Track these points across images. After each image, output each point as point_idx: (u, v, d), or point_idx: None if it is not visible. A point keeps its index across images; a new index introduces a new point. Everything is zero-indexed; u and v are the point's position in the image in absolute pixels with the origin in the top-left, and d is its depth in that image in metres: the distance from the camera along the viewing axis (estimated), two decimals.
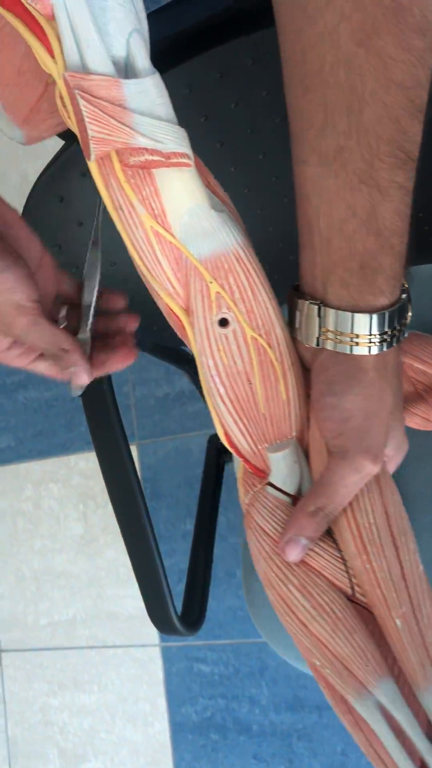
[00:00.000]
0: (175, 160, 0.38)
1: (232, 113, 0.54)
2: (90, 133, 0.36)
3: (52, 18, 0.35)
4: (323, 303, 0.41)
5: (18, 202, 0.57)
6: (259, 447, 0.44)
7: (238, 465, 0.46)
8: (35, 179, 0.57)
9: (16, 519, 1.50)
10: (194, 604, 0.77)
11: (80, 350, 0.45)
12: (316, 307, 0.41)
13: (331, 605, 0.41)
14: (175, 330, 0.44)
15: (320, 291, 0.42)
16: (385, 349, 0.41)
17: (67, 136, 0.56)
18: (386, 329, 0.41)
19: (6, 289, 0.43)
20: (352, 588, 0.42)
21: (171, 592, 0.70)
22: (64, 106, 0.38)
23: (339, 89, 0.36)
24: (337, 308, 0.41)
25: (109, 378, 0.69)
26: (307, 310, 0.42)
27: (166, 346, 0.83)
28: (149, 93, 0.37)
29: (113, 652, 1.40)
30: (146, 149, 0.37)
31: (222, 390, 0.43)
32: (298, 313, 0.43)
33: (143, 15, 0.37)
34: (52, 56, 0.36)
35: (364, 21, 0.34)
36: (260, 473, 0.45)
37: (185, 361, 0.89)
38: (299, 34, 0.37)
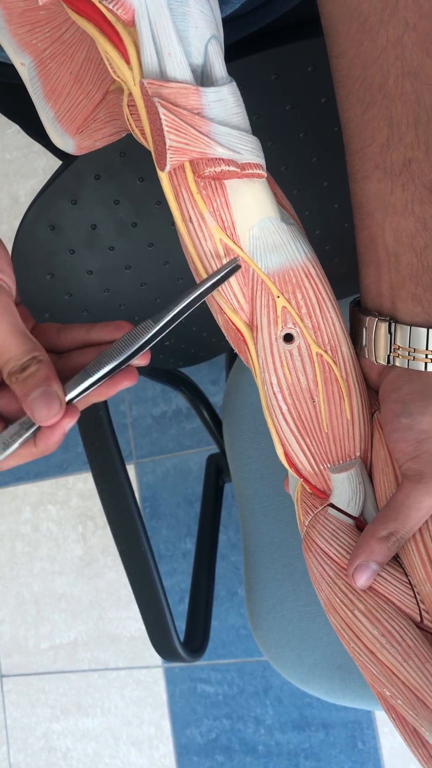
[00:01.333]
0: (250, 171, 0.37)
1: (286, 114, 0.54)
2: (168, 142, 0.35)
3: (131, 24, 0.34)
4: (393, 319, 0.40)
5: (8, 224, 0.57)
6: (321, 467, 0.43)
7: (295, 485, 0.45)
8: (26, 200, 0.57)
9: (15, 542, 1.49)
10: (197, 629, 0.76)
11: (53, 368, 0.37)
12: (386, 323, 0.40)
13: (401, 633, 0.39)
14: (234, 346, 0.43)
15: (389, 307, 0.41)
16: None
17: (62, 154, 0.55)
18: None
19: None
20: (421, 615, 0.41)
21: (173, 618, 0.69)
22: (133, 114, 0.37)
23: (405, 101, 0.36)
24: (411, 324, 0.40)
25: (104, 401, 0.69)
26: (377, 327, 0.41)
27: (160, 368, 0.83)
28: (227, 102, 0.36)
29: (116, 675, 1.38)
30: (223, 160, 0.36)
31: (284, 407, 0.42)
32: (364, 330, 0.42)
33: (220, 21, 0.37)
34: (128, 63, 0.35)
35: (430, 30, 0.34)
36: (321, 494, 0.44)
37: (180, 381, 0.89)
38: (358, 48, 0.37)
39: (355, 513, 0.43)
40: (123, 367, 0.39)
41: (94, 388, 0.39)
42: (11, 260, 0.41)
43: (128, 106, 0.37)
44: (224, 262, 0.39)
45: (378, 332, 0.41)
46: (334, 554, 0.42)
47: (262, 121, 0.53)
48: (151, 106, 0.35)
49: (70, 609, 1.43)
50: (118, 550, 0.68)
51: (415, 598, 0.41)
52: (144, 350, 0.39)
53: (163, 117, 0.34)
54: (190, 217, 0.38)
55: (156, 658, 1.34)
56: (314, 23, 0.41)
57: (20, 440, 0.37)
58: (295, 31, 0.50)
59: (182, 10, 0.35)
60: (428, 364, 0.40)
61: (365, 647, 0.40)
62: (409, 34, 0.35)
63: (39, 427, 0.37)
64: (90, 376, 0.38)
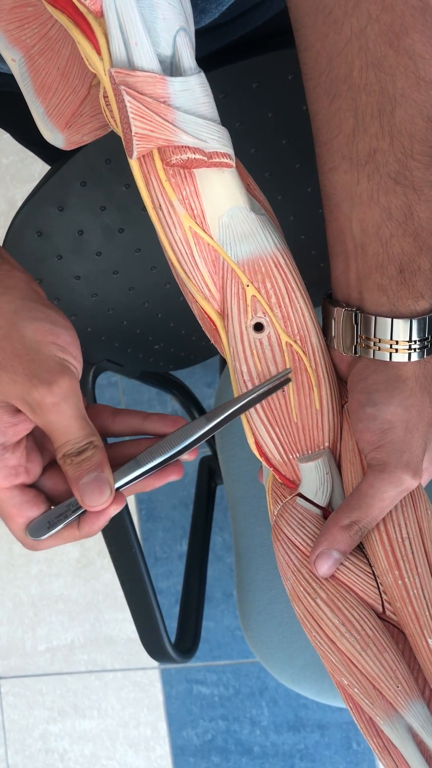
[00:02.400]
0: (217, 160, 0.38)
1: (268, 122, 0.55)
2: (134, 129, 0.35)
3: (100, 15, 0.35)
4: (360, 310, 0.40)
5: (5, 229, 0.57)
6: (290, 456, 0.43)
7: (267, 475, 0.45)
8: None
9: (12, 544, 1.49)
10: (188, 631, 0.77)
11: (106, 454, 0.38)
12: (353, 314, 0.40)
13: (361, 622, 0.40)
14: (208, 335, 0.44)
15: (356, 298, 0.41)
16: (425, 356, 0.40)
17: (53, 161, 0.56)
18: (427, 335, 0.40)
19: (56, 340, 0.38)
20: (383, 605, 0.41)
21: (163, 619, 0.70)
22: (108, 105, 0.37)
23: (369, 92, 0.36)
24: (376, 314, 0.40)
25: (95, 401, 0.69)
26: (344, 317, 0.41)
27: (153, 372, 0.83)
28: (194, 91, 0.37)
29: (113, 676, 1.39)
30: (189, 147, 0.36)
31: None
32: (333, 321, 0.42)
33: (191, 14, 0.37)
34: (99, 54, 0.36)
35: (393, 21, 0.35)
36: (290, 484, 0.44)
37: (172, 384, 0.89)
38: (324, 41, 0.37)
39: (322, 503, 0.43)
40: (172, 461, 0.40)
41: (142, 479, 0.40)
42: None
43: (104, 97, 0.38)
44: (194, 250, 0.40)
45: (345, 322, 0.41)
46: (300, 543, 0.42)
47: (245, 128, 0.54)
48: (118, 94, 0.35)
49: (67, 611, 1.43)
50: (108, 551, 0.68)
51: (378, 588, 0.41)
52: (194, 447, 0.40)
53: (128, 104, 0.35)
54: (160, 205, 0.39)
55: (152, 660, 1.34)
56: (292, 33, 0.42)
57: (65, 522, 0.38)
58: (275, 41, 0.51)
59: (150, 2, 0.35)
60: (393, 354, 0.40)
61: (325, 635, 0.40)
62: (372, 26, 0.35)
63: (84, 511, 0.38)
64: (140, 466, 0.40)
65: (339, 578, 0.41)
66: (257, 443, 0.43)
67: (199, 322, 0.44)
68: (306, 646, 0.69)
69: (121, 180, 0.56)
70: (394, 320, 0.39)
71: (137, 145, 0.36)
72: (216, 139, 0.37)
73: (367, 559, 0.42)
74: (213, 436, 0.83)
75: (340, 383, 0.44)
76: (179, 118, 0.36)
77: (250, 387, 0.42)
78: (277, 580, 0.71)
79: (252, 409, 0.42)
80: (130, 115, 0.35)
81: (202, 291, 0.41)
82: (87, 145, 0.53)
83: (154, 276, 0.63)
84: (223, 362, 0.91)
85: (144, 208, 0.58)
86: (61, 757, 1.42)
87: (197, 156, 0.37)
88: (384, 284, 0.39)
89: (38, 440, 0.41)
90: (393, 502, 0.41)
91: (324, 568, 0.40)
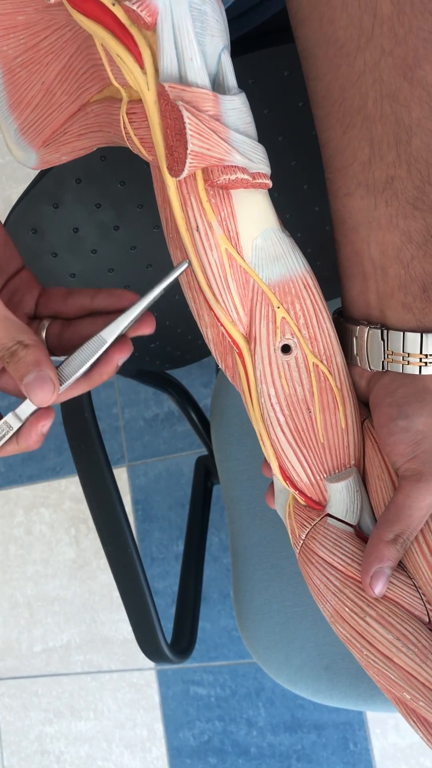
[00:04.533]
0: (259, 181, 0.37)
1: (264, 118, 0.54)
2: (190, 146, 0.34)
3: (151, 27, 0.34)
4: (385, 326, 0.41)
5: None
6: (318, 478, 0.43)
7: (285, 501, 0.44)
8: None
9: (7, 545, 1.49)
10: (184, 631, 0.76)
11: (45, 350, 0.37)
12: (379, 331, 0.41)
13: (416, 634, 0.39)
14: (220, 361, 0.43)
15: (377, 316, 0.42)
16: None
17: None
18: None
19: None
20: (429, 615, 0.41)
21: (159, 619, 0.69)
22: (132, 122, 0.36)
23: (385, 122, 0.37)
24: (404, 330, 0.41)
25: (90, 404, 0.69)
26: (369, 335, 0.41)
27: (149, 370, 0.83)
28: (241, 111, 0.36)
29: (109, 677, 1.38)
30: (238, 168, 0.36)
31: (282, 419, 0.42)
32: (355, 339, 0.42)
33: (228, 33, 0.37)
34: (142, 66, 0.35)
35: (407, 54, 0.36)
36: (316, 505, 0.43)
37: (168, 383, 0.89)
38: (336, 72, 0.38)
39: (353, 521, 0.43)
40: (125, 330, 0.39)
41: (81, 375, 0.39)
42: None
43: (127, 113, 0.37)
44: (228, 272, 0.39)
45: (371, 340, 0.41)
46: (339, 563, 0.42)
47: None
48: (173, 109, 0.34)
49: (63, 612, 1.43)
50: (104, 551, 0.68)
51: (422, 599, 0.41)
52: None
53: (187, 120, 0.34)
54: (197, 227, 0.38)
55: (148, 661, 1.34)
56: (288, 30, 0.42)
57: (3, 441, 0.39)
58: (270, 37, 0.50)
59: (201, 18, 0.34)
60: (422, 368, 0.41)
61: (380, 653, 0.40)
62: (385, 60, 0.36)
63: (21, 427, 0.39)
64: (75, 370, 0.39)
65: (385, 594, 0.41)
66: (282, 467, 0.43)
67: (212, 347, 0.43)
68: (302, 646, 0.69)
69: (116, 177, 0.56)
70: (424, 335, 0.40)
71: (190, 163, 0.35)
72: (260, 159, 0.37)
73: (407, 572, 0.42)
74: (209, 436, 0.82)
75: (359, 401, 0.45)
76: (231, 137, 0.35)
77: (278, 410, 0.42)
78: (273, 580, 0.71)
79: (280, 432, 0.42)
80: (188, 132, 0.34)
81: (230, 315, 0.40)
82: None
83: (149, 274, 0.63)
84: None
85: (140, 206, 0.58)
86: (57, 759, 1.42)
87: (244, 176, 0.36)
88: (408, 302, 0.40)
89: None
90: (429, 511, 0.42)
91: (379, 587, 0.40)
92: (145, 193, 0.57)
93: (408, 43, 0.35)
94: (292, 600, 0.70)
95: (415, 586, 0.41)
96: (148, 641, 0.68)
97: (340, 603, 0.41)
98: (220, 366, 0.44)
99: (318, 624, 0.68)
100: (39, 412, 0.39)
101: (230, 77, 0.36)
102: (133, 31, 0.34)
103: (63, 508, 1.44)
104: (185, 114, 0.34)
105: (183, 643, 0.75)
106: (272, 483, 0.47)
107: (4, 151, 1.51)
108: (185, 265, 0.38)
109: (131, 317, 0.38)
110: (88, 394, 0.69)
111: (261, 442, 0.43)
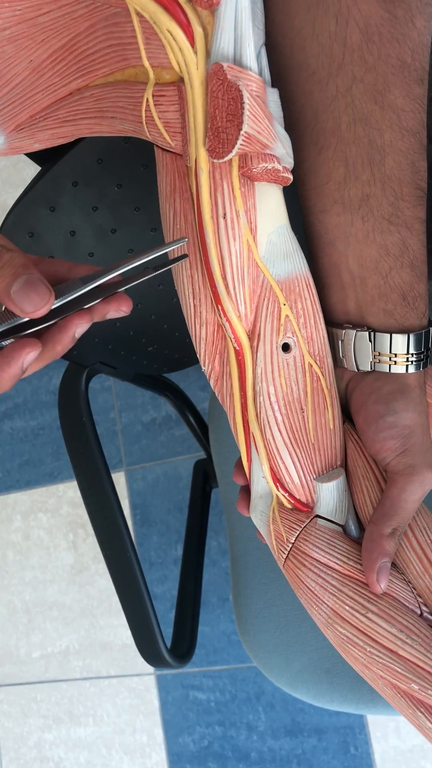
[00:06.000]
0: (286, 175, 0.37)
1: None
2: (245, 127, 0.34)
3: (215, 5, 0.33)
4: (372, 329, 0.43)
5: None
6: (308, 478, 0.43)
7: (267, 505, 0.44)
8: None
9: (5, 551, 1.48)
10: (184, 636, 0.76)
11: (24, 255, 0.33)
12: (367, 333, 0.42)
13: (417, 626, 0.40)
14: (209, 362, 0.42)
15: (357, 322, 0.43)
16: (426, 365, 0.44)
17: (47, 158, 0.55)
18: (430, 345, 0.44)
19: None
20: (420, 608, 0.41)
21: (159, 624, 0.69)
22: (159, 104, 0.36)
23: (359, 144, 0.39)
24: (391, 332, 0.42)
25: (88, 408, 0.68)
26: (356, 338, 0.43)
27: (147, 374, 0.83)
28: (278, 104, 0.36)
29: (108, 683, 1.38)
30: (275, 157, 0.36)
31: (279, 418, 0.41)
32: (340, 342, 0.44)
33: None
34: (193, 45, 0.34)
35: (376, 80, 0.37)
36: (304, 507, 0.43)
37: (166, 387, 0.89)
38: (309, 96, 0.39)
39: (341, 521, 0.43)
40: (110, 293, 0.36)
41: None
42: None
43: (153, 96, 0.36)
44: (246, 264, 0.38)
45: (359, 342, 0.43)
46: (336, 563, 0.42)
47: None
48: (230, 89, 0.33)
49: (61, 617, 1.42)
50: (103, 555, 0.68)
51: (412, 592, 0.42)
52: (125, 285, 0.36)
53: (246, 101, 0.33)
54: (225, 214, 0.37)
55: (148, 666, 1.33)
56: None
57: None
58: None
59: (254, 8, 0.34)
60: (408, 366, 0.42)
61: (384, 648, 0.40)
62: (357, 85, 0.37)
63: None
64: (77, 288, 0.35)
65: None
66: (273, 469, 0.42)
67: (202, 345, 0.42)
68: (303, 649, 0.69)
69: (113, 180, 0.55)
70: (411, 335, 0.42)
71: (241, 145, 0.34)
72: (291, 153, 0.37)
73: (396, 566, 0.43)
74: (207, 440, 0.82)
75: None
76: (276, 127, 0.35)
77: (276, 409, 0.41)
78: (273, 583, 0.70)
79: (277, 431, 0.41)
80: (246, 113, 0.33)
81: (239, 309, 0.40)
82: (79, 144, 0.53)
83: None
84: None
85: (136, 208, 0.58)
86: (57, 766, 1.41)
87: (278, 167, 0.36)
88: (389, 309, 0.42)
89: None
90: (419, 503, 0.43)
91: (384, 582, 0.41)
92: (142, 196, 0.57)
93: (378, 70, 0.37)
94: (291, 603, 0.69)
95: (405, 580, 0.42)
96: (148, 647, 0.68)
97: (339, 603, 0.41)
98: (203, 367, 0.43)
99: (318, 627, 0.68)
100: (21, 342, 0.33)
101: (267, 72, 0.36)
102: (188, 8, 0.33)
103: (61, 513, 1.43)
104: (245, 94, 0.33)
105: (183, 647, 0.74)
106: (242, 490, 0.47)
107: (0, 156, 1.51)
108: (185, 240, 0.37)
109: (119, 271, 0.35)
110: (86, 399, 0.68)
111: (250, 446, 0.43)
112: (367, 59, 0.37)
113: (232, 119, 0.34)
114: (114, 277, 0.36)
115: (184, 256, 0.39)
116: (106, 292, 0.36)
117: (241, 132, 0.34)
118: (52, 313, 0.35)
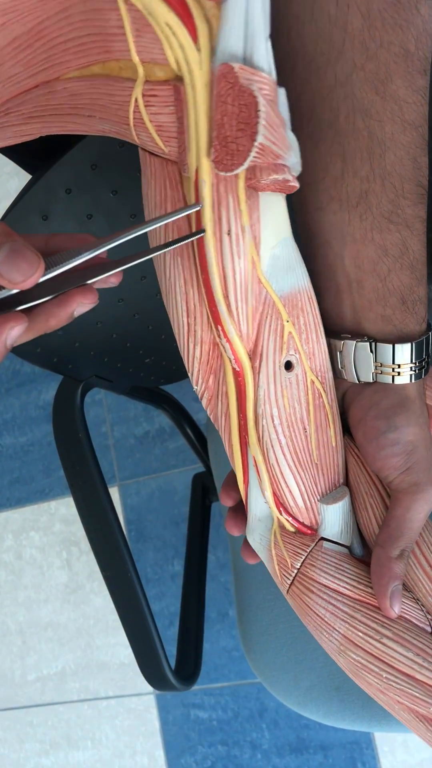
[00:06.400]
0: (294, 184, 0.34)
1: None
2: (260, 138, 0.29)
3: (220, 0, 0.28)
4: (372, 339, 0.41)
5: None
6: (312, 500, 0.41)
7: (267, 528, 0.42)
8: None
9: None
10: (189, 656, 0.74)
11: (5, 225, 0.30)
12: (368, 344, 0.40)
13: (431, 647, 0.38)
14: (201, 382, 0.40)
15: (352, 329, 0.41)
16: (426, 373, 0.42)
17: (32, 168, 0.53)
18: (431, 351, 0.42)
19: None
20: (430, 625, 0.40)
21: (163, 645, 0.67)
22: (146, 106, 0.32)
23: (357, 137, 0.37)
24: (393, 342, 0.40)
25: (83, 421, 0.67)
26: (357, 348, 0.41)
27: (143, 387, 0.81)
28: (286, 105, 0.31)
29: (106, 704, 1.35)
30: (287, 167, 0.32)
31: (283, 440, 0.39)
32: (339, 354, 0.42)
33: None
34: (195, 41, 0.30)
35: (378, 69, 0.35)
36: (307, 530, 0.41)
37: (162, 399, 0.87)
38: (306, 86, 0.37)
39: (347, 542, 0.42)
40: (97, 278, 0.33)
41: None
42: None
43: (146, 95, 0.32)
44: (250, 282, 0.35)
45: (360, 353, 0.41)
46: (345, 588, 0.40)
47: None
48: (242, 95, 0.29)
49: (56, 638, 1.40)
50: (103, 576, 0.66)
51: (422, 610, 0.40)
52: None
53: (262, 109, 0.29)
54: (230, 230, 0.34)
55: (147, 685, 1.31)
56: None
57: None
58: None
59: (264, 3, 0.29)
60: (413, 376, 0.40)
61: (401, 672, 0.38)
62: (357, 74, 0.36)
63: None
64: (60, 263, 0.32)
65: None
66: (276, 493, 0.40)
67: (195, 365, 0.39)
68: (311, 667, 0.67)
69: (108, 186, 0.54)
70: (414, 344, 0.40)
71: (255, 157, 0.30)
72: (299, 160, 0.33)
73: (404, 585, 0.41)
74: (206, 452, 0.80)
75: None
76: (288, 134, 0.31)
77: (279, 432, 0.39)
78: (278, 598, 0.69)
79: (281, 455, 0.39)
80: (261, 123, 0.29)
81: (241, 329, 0.37)
82: (72, 150, 0.51)
83: (144, 286, 0.61)
84: None
85: (132, 215, 0.56)
86: None
87: (289, 177, 0.33)
88: (388, 314, 0.40)
89: None
90: (424, 521, 0.41)
91: (397, 606, 0.39)
92: (139, 203, 0.55)
93: (379, 58, 0.35)
94: (298, 620, 0.68)
95: (414, 599, 0.41)
96: (152, 670, 0.66)
97: (352, 629, 0.39)
98: (194, 386, 0.40)
99: None
100: (4, 316, 0.30)
101: (275, 70, 0.32)
102: (190, 1, 0.29)
103: (53, 531, 1.41)
104: (261, 101, 0.29)
105: (188, 669, 0.73)
106: (230, 510, 0.45)
107: None
108: (199, 206, 0.33)
109: (122, 239, 0.33)
110: (82, 414, 0.67)
111: (247, 469, 0.40)
112: (368, 46, 0.35)
113: (244, 128, 0.30)
114: (115, 245, 0.33)
115: (202, 230, 0.35)
116: (111, 268, 0.33)
117: (255, 144, 0.30)
118: (48, 288, 0.32)
